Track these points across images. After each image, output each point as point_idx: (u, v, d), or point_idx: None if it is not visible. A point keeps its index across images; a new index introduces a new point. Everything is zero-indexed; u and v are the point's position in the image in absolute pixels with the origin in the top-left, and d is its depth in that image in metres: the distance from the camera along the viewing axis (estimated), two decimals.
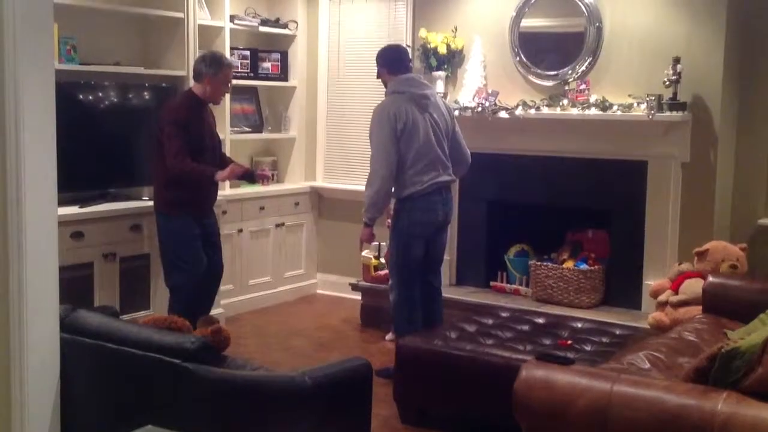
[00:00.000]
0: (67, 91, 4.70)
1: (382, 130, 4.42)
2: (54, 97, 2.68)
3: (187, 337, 2.65)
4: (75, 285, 4.48)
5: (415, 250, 4.52)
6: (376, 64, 4.67)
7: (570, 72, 5.26)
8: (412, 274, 4.56)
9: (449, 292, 5.35)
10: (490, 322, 4.26)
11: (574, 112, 5.13)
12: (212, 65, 4.66)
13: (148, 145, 5.37)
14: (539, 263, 5.37)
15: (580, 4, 5.19)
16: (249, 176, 5.02)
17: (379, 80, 4.72)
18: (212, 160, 4.76)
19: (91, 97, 5.07)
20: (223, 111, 5.71)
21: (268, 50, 6.30)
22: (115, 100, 5.23)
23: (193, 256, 4.66)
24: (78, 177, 4.74)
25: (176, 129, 4.52)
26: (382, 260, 5.66)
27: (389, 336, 5.13)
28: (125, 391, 2.72)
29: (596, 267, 5.24)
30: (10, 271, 2.60)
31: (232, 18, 5.83)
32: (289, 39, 6.40)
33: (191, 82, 5.37)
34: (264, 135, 6.32)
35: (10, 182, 2.57)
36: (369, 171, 4.53)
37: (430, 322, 4.56)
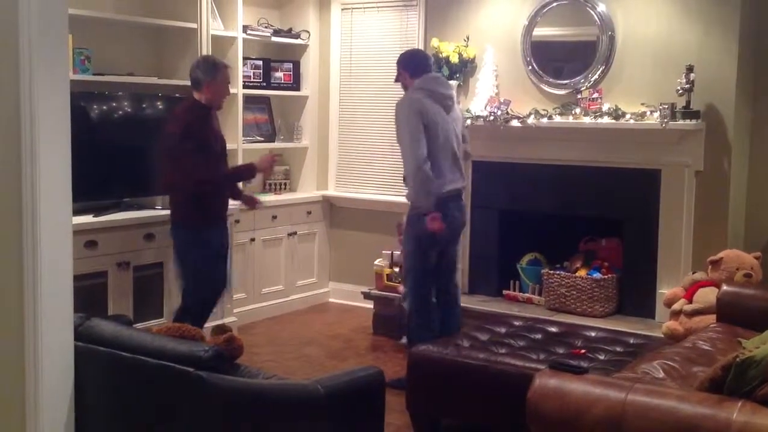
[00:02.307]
0: (81, 102, 4.73)
1: (410, 124, 4.33)
2: (69, 108, 2.70)
3: (200, 346, 2.65)
4: (89, 294, 4.50)
5: (431, 257, 4.52)
6: (397, 68, 4.66)
7: (582, 81, 5.25)
8: (428, 282, 4.56)
9: (462, 301, 5.34)
10: (503, 330, 4.25)
11: (587, 120, 5.12)
12: (208, 71, 4.52)
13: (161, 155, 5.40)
14: (552, 272, 5.36)
15: (592, 13, 5.19)
16: (250, 201, 4.99)
17: (394, 86, 4.75)
18: (223, 165, 4.76)
19: (105, 108, 5.10)
20: (236, 120, 5.74)
21: (280, 60, 6.32)
22: (129, 110, 5.25)
23: (219, 272, 4.58)
24: (92, 186, 4.76)
25: (194, 142, 4.39)
26: (395, 269, 5.65)
27: (404, 339, 5.12)
28: (139, 400, 2.73)
29: (609, 276, 5.22)
30: (25, 280, 2.61)
31: (245, 28, 5.86)
32: (302, 49, 6.42)
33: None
34: (276, 144, 6.34)
35: (25, 191, 2.59)
36: (404, 170, 4.46)
37: (447, 330, 4.54)
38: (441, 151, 4.40)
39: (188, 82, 5.39)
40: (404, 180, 4.58)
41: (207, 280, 4.55)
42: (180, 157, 4.39)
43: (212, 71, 4.54)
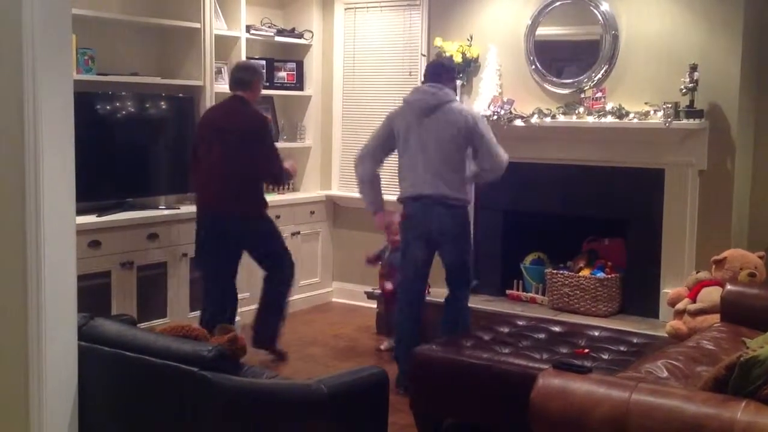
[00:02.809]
0: (84, 102, 4.73)
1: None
2: (72, 108, 2.70)
3: (204, 346, 2.65)
4: (92, 293, 4.51)
5: (412, 252, 4.59)
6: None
7: (586, 80, 5.25)
8: (409, 281, 4.63)
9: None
10: (506, 330, 4.25)
11: (590, 120, 5.11)
12: (256, 72, 4.98)
13: (166, 155, 5.42)
14: (555, 271, 5.35)
15: (595, 12, 5.19)
16: None
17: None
18: None
19: (108, 108, 5.11)
20: None
21: (283, 60, 6.33)
22: (133, 110, 5.26)
23: None
24: (96, 186, 4.77)
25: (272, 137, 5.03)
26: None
27: (384, 345, 5.13)
28: (142, 399, 2.73)
29: (613, 275, 5.21)
30: (29, 280, 2.61)
31: (248, 28, 5.86)
32: (305, 48, 6.42)
33: (208, 93, 5.43)
34: (279, 144, 6.32)
35: (29, 191, 2.59)
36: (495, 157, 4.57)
37: (454, 332, 4.51)
38: (407, 160, 4.56)
39: (191, 82, 5.43)
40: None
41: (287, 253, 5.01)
42: (274, 149, 4.87)
43: (259, 72, 5.02)
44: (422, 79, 4.79)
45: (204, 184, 4.78)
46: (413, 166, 4.53)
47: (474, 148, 4.53)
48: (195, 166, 4.83)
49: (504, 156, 4.56)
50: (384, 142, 4.67)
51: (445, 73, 4.66)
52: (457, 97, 4.77)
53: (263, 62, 6.11)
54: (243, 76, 4.85)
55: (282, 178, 5.06)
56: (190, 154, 4.94)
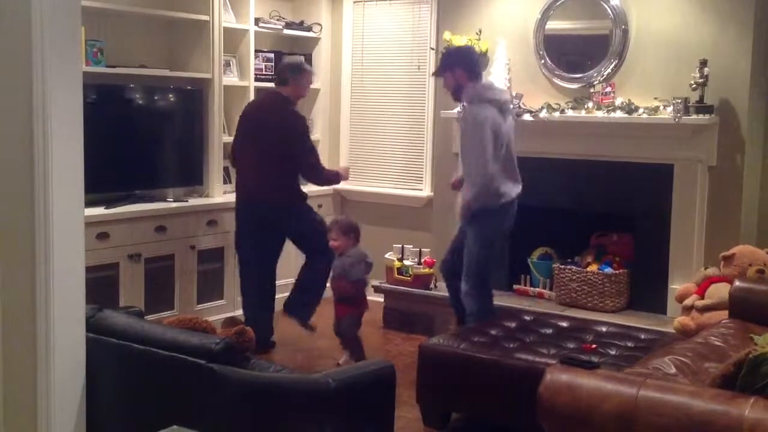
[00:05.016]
0: (93, 94, 4.74)
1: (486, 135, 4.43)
2: (81, 99, 2.70)
3: (211, 338, 2.66)
4: (100, 285, 4.52)
5: (492, 252, 4.70)
6: (445, 66, 4.64)
7: (595, 75, 5.23)
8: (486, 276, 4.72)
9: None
10: (514, 325, 4.24)
11: (599, 115, 5.10)
12: (294, 70, 5.03)
13: (174, 147, 5.43)
14: (563, 267, 5.34)
15: (605, 6, 5.17)
16: None
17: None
18: None
19: (117, 100, 5.11)
20: None
21: (292, 53, 6.31)
22: (141, 102, 5.27)
23: None
24: (104, 178, 4.77)
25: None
26: (406, 263, 5.65)
27: (343, 359, 4.84)
28: (150, 391, 2.74)
29: (621, 271, 5.20)
30: (37, 271, 2.62)
31: (256, 21, 5.86)
32: (313, 42, 6.42)
33: (216, 85, 5.45)
34: None
35: (38, 183, 2.60)
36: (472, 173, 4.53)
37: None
38: (504, 161, 4.57)
39: (200, 75, 5.45)
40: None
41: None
42: (310, 154, 5.04)
43: (295, 70, 5.05)
44: (476, 70, 4.66)
45: (241, 175, 5.05)
46: (505, 166, 4.58)
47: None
48: (233, 158, 5.15)
49: None
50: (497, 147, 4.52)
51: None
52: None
53: (272, 55, 6.11)
54: (281, 72, 5.04)
55: (330, 182, 5.40)
56: (231, 145, 5.20)
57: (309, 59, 6.39)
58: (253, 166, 4.93)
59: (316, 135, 6.47)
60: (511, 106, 4.78)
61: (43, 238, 2.61)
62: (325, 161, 6.50)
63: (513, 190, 4.63)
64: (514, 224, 4.71)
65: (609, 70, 5.19)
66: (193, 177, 5.47)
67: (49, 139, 2.59)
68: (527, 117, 5.29)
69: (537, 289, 5.50)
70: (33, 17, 2.55)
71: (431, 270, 5.52)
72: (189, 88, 5.42)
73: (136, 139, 5.21)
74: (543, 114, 5.25)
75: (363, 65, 6.40)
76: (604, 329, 4.19)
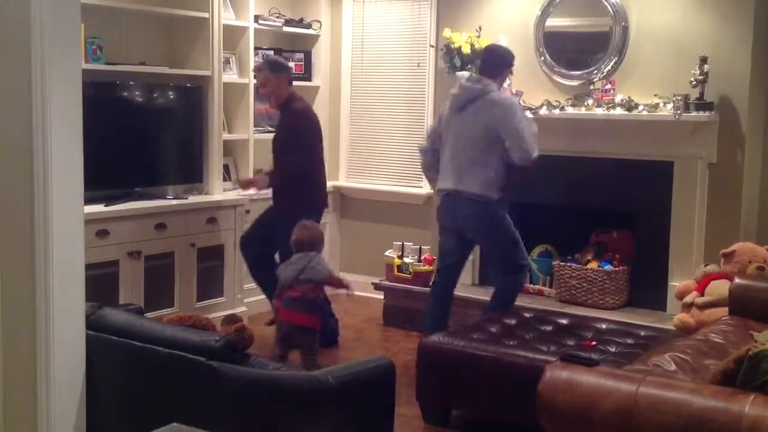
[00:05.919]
0: (93, 91, 4.73)
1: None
2: (81, 97, 2.70)
3: (211, 336, 2.66)
4: (100, 283, 4.51)
5: (443, 244, 4.76)
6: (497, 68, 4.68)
7: (595, 72, 5.22)
8: (441, 269, 4.77)
9: (472, 292, 5.35)
10: (514, 322, 4.25)
11: (599, 112, 5.09)
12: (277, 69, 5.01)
13: (174, 145, 5.43)
14: (563, 264, 5.34)
15: (605, 3, 5.16)
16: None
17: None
18: None
19: (116, 97, 5.11)
20: (247, 111, 5.75)
21: (291, 50, 6.32)
22: (141, 99, 5.26)
23: None
24: (103, 176, 4.77)
25: None
26: (406, 260, 5.65)
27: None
28: (150, 389, 2.74)
29: (621, 268, 5.20)
30: (37, 269, 2.62)
31: (256, 18, 5.85)
32: (313, 39, 6.41)
33: (215, 83, 5.44)
34: None
35: (37, 181, 2.60)
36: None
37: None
38: (444, 154, 4.66)
39: (199, 72, 5.43)
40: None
41: None
42: (312, 145, 5.11)
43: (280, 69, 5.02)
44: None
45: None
46: (444, 161, 4.65)
47: (492, 142, 4.53)
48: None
49: (531, 152, 4.50)
50: (436, 138, 4.75)
51: (499, 61, 4.70)
52: (496, 88, 4.60)
53: (271, 52, 6.10)
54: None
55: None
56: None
57: (309, 56, 6.39)
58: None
59: None
60: (493, 99, 4.54)
61: (43, 235, 2.61)
62: (325, 158, 6.50)
63: (445, 183, 4.66)
64: (511, 221, 4.69)
65: (609, 67, 5.18)
66: (193, 174, 5.46)
67: (49, 137, 2.59)
68: (527, 114, 5.27)
69: (537, 286, 5.50)
70: (32, 14, 2.55)
71: (431, 267, 5.52)
72: (188, 85, 5.41)
73: (135, 136, 5.20)
74: (543, 111, 5.25)
75: (363, 62, 6.39)
76: (603, 326, 4.19)
